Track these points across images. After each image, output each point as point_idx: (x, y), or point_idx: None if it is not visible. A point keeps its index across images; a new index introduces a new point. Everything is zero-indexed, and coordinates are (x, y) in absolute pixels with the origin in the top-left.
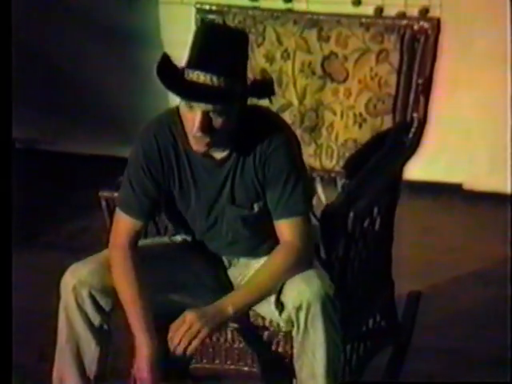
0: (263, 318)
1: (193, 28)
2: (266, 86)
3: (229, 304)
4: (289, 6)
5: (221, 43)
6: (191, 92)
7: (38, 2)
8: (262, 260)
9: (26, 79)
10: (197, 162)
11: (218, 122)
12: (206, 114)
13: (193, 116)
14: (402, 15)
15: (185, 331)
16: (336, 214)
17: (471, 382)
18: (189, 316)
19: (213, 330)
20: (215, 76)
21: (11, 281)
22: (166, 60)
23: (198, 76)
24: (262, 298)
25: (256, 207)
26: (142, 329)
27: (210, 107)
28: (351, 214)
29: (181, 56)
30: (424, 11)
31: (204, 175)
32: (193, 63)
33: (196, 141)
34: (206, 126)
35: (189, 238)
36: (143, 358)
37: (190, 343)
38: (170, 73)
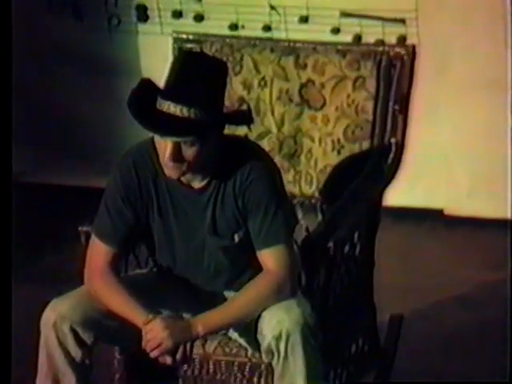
0: (245, 350)
1: (171, 58)
2: (243, 115)
3: (200, 323)
4: (268, 35)
5: (195, 73)
6: (159, 124)
7: (17, 32)
8: None
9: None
10: (176, 191)
11: (190, 152)
12: (176, 145)
13: (165, 144)
14: (380, 43)
15: (150, 338)
16: (316, 244)
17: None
18: (156, 324)
19: (176, 345)
20: (185, 107)
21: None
22: (142, 87)
23: (169, 107)
24: (236, 322)
25: (237, 237)
26: (141, 312)
27: (179, 139)
28: (331, 244)
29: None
30: (402, 39)
31: (184, 204)
32: (165, 93)
33: (168, 168)
34: (177, 156)
35: (168, 271)
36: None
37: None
38: (141, 103)
